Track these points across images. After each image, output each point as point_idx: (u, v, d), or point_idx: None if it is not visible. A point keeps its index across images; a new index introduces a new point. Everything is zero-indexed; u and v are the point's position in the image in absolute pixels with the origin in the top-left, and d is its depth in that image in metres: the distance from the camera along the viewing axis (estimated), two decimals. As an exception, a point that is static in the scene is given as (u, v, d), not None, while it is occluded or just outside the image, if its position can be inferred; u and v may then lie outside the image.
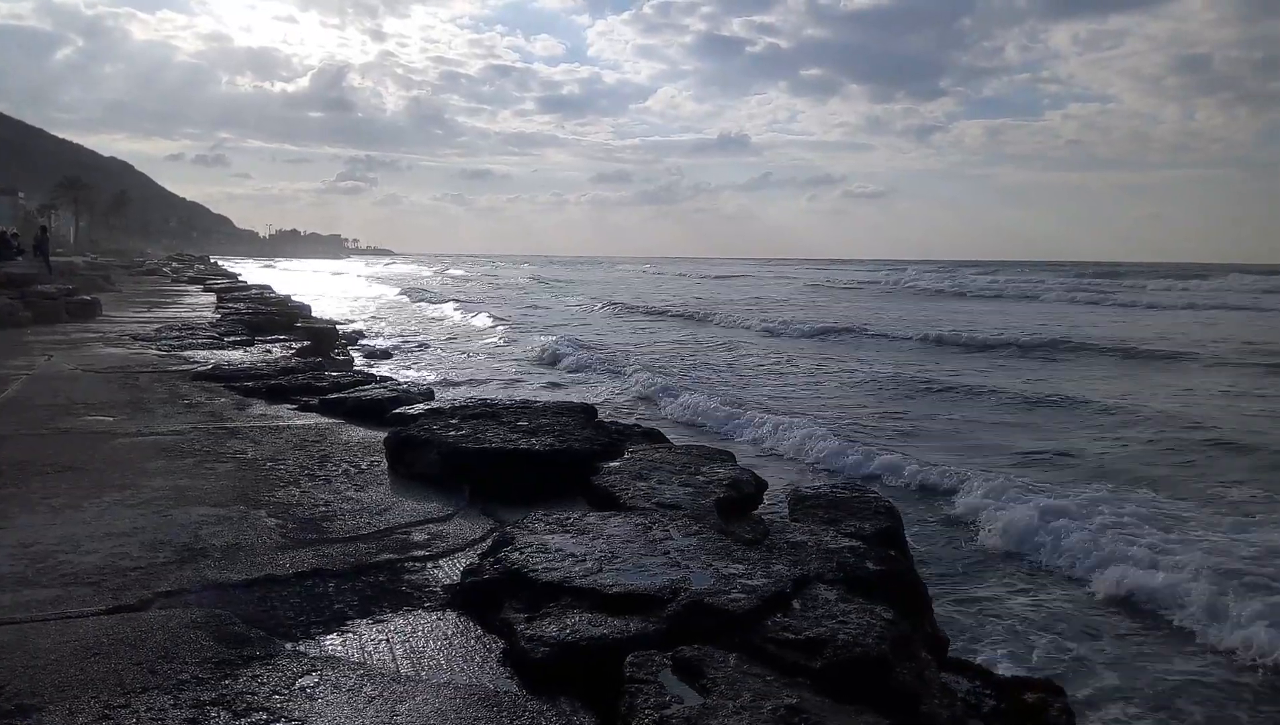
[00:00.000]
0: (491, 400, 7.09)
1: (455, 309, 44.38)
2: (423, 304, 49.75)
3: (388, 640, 3.49)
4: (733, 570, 3.78)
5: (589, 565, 3.74)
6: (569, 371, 21.57)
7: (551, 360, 23.95)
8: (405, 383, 9.14)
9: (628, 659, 2.97)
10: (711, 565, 3.82)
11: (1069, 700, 4.17)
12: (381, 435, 6.56)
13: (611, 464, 5.55)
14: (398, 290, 62.15)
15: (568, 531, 4.19)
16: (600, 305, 42.02)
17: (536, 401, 7.33)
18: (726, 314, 33.43)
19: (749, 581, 3.66)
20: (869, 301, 45.18)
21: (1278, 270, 65.53)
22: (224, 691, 2.95)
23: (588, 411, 6.84)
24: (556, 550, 3.93)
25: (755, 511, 5.83)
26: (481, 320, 38.68)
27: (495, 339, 30.16)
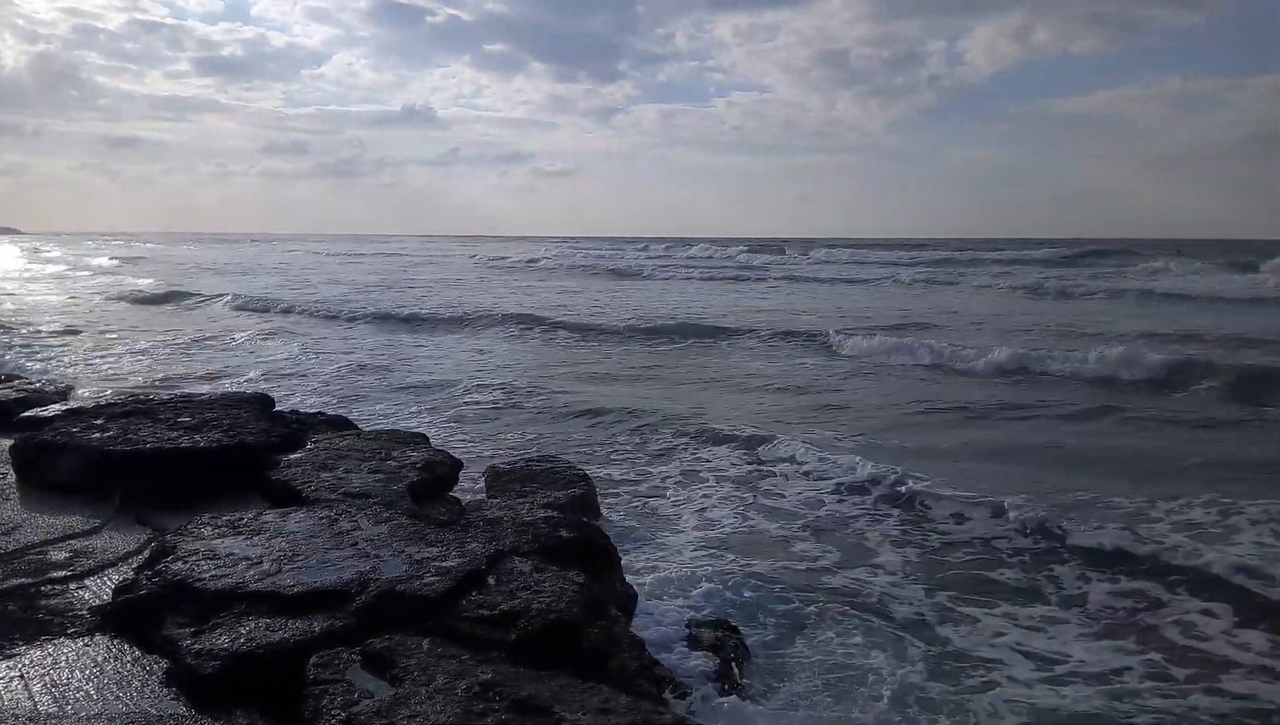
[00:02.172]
0: (146, 396, 6.33)
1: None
2: None
3: (21, 676, 3.01)
4: (426, 554, 3.69)
5: (266, 567, 3.47)
6: None
7: None
8: (37, 380, 7.91)
9: (311, 660, 2.80)
10: (404, 552, 3.71)
11: (743, 637, 4.56)
12: (6, 442, 5.63)
13: (292, 456, 5.19)
14: None
15: (240, 533, 3.86)
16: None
17: (201, 394, 6.67)
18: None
19: (443, 563, 3.59)
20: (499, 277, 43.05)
21: (899, 244, 75.65)
22: None
23: (263, 402, 6.33)
24: (228, 555, 3.59)
25: (452, 492, 5.76)
26: None
27: None
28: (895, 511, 7.08)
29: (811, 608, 5.20)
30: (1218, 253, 51.46)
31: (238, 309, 24.83)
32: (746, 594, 5.37)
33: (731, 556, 6.03)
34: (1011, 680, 4.50)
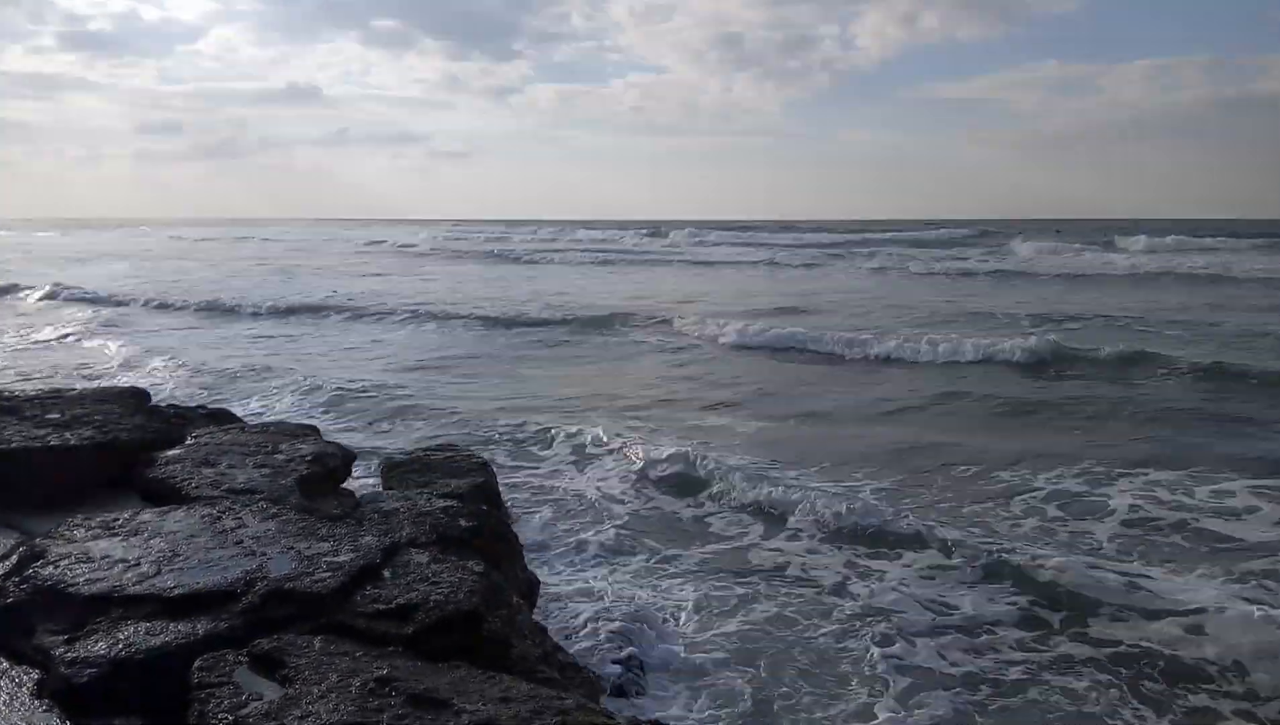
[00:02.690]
0: (9, 391, 5.94)
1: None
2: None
3: None
4: (317, 549, 3.59)
5: (145, 569, 3.31)
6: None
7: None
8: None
9: (195, 664, 2.69)
10: (293, 548, 3.59)
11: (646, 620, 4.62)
12: None
13: (171, 452, 4.96)
14: None
15: (116, 534, 3.67)
16: None
17: (72, 389, 6.29)
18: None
19: (335, 558, 3.50)
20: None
21: (798, 226, 77.15)
22: None
23: (139, 396, 6.02)
24: (103, 558, 3.41)
25: (345, 484, 5.61)
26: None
27: None
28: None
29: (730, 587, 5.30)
30: (1095, 231, 54.78)
31: (63, 301, 22.45)
32: (650, 578, 5.44)
33: (632, 540, 6.09)
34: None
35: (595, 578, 5.40)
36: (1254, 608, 4.83)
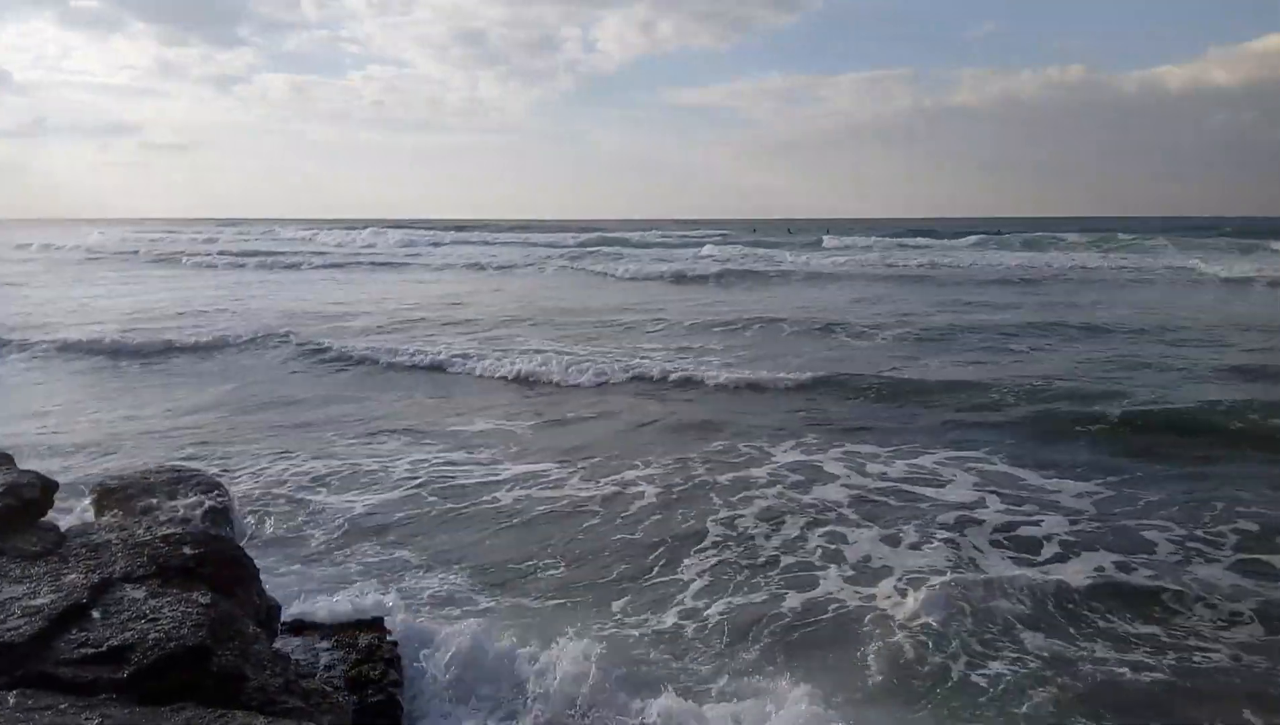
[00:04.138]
0: None
1: None
2: None
3: None
4: (10, 594, 3.18)
5: None
6: None
7: None
8: None
9: None
10: (-21, 594, 3.15)
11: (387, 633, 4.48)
12: None
13: None
14: None
15: None
16: None
17: None
18: None
19: (32, 602, 3.12)
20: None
21: (544, 226, 78.06)
22: None
23: None
24: None
25: (48, 516, 4.99)
26: None
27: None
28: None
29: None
30: (818, 230, 60.53)
31: None
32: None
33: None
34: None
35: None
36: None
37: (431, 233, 64.27)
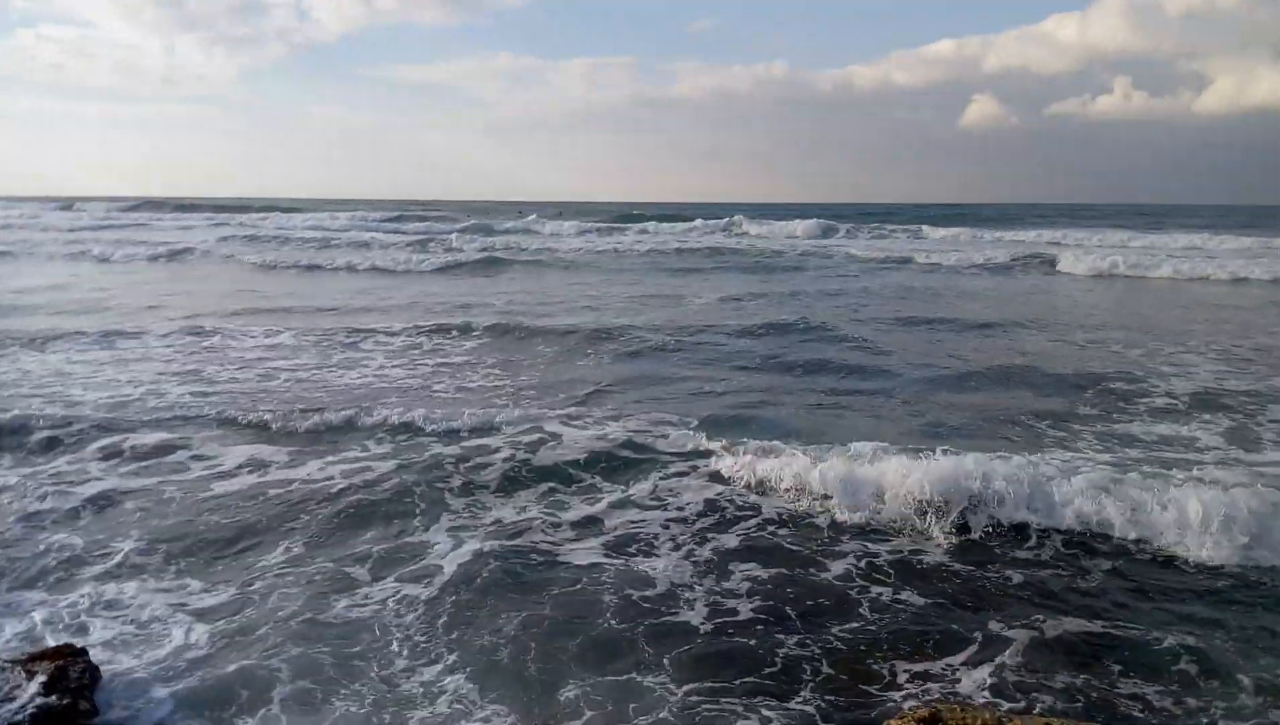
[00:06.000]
0: None
1: None
2: None
3: None
4: None
5: None
6: None
7: None
8: None
9: None
10: None
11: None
12: None
13: None
14: None
15: None
16: None
17: None
18: None
19: None
20: None
21: (249, 206, 72.38)
22: None
23: None
24: None
25: None
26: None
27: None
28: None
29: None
30: (554, 212, 61.33)
31: None
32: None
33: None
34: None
35: None
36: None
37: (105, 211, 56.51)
